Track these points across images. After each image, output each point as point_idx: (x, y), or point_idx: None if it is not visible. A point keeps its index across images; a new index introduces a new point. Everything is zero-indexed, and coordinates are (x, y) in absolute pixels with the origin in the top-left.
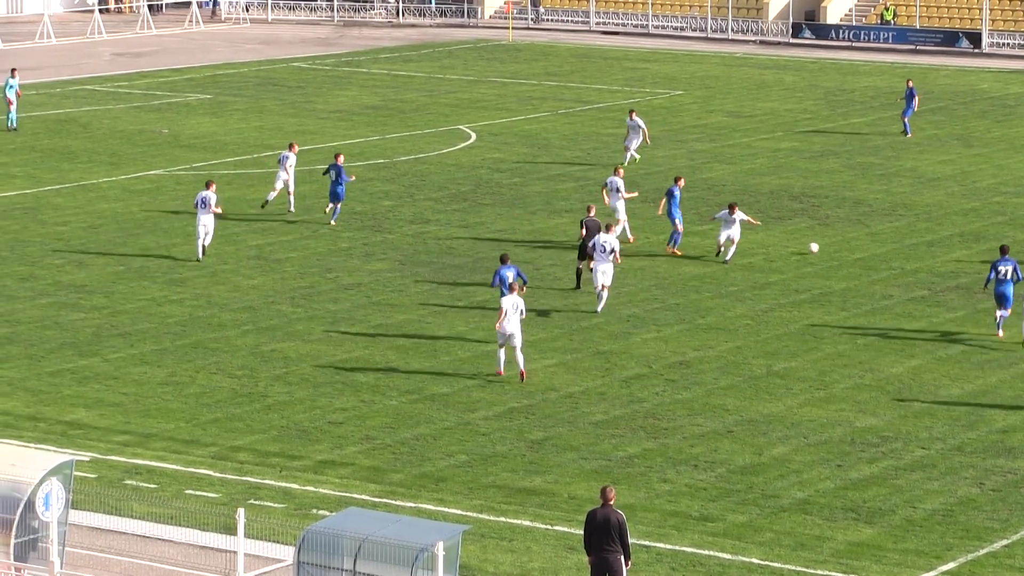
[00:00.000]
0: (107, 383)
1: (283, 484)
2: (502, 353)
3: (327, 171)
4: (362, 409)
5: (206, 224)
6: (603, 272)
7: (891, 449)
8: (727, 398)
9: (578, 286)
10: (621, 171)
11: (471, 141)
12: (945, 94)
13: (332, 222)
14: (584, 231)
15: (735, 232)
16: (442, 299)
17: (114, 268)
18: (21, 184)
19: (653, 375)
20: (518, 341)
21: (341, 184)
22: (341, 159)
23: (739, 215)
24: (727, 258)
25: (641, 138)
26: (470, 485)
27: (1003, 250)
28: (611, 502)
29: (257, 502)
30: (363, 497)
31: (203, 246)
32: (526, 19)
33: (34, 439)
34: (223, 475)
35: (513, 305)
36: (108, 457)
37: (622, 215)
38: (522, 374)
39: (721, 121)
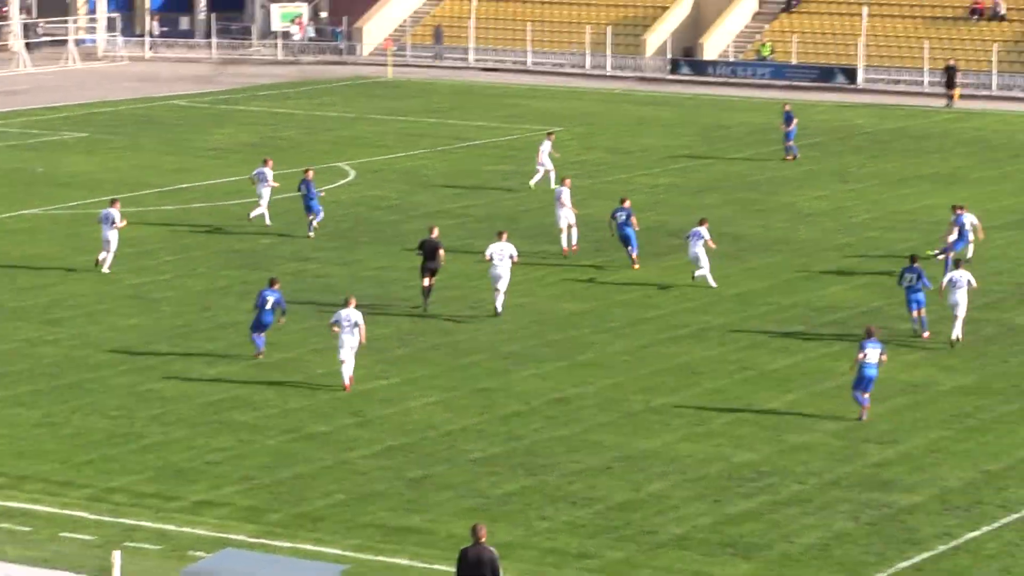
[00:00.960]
0: None
1: (159, 525)
2: (344, 370)
3: (300, 187)
4: (240, 448)
5: (110, 239)
6: (501, 276)
7: (768, 484)
8: (605, 434)
9: (424, 305)
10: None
11: (350, 178)
12: (821, 130)
13: (310, 234)
14: (421, 250)
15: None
16: (321, 337)
17: None
18: None
19: (532, 412)
20: (349, 354)
21: (313, 198)
22: (311, 174)
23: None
24: (709, 281)
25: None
26: (348, 524)
27: (868, 333)
28: (483, 540)
29: (133, 544)
30: (240, 537)
31: (108, 260)
32: (405, 55)
33: None
34: (99, 517)
35: (347, 318)
36: None
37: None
38: (347, 384)
39: (600, 157)
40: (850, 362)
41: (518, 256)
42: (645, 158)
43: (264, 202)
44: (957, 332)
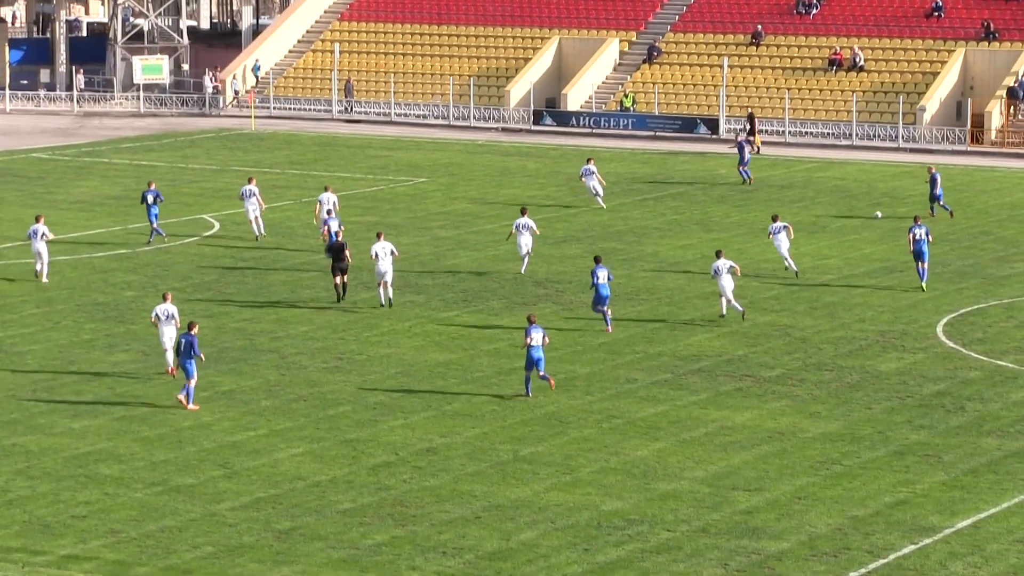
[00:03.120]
0: None
1: None
2: (169, 356)
3: (143, 199)
4: (106, 502)
5: (40, 251)
6: (386, 271)
7: (637, 532)
8: (475, 484)
9: (338, 300)
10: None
11: (215, 230)
12: (685, 179)
13: (165, 237)
14: (328, 252)
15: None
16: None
17: None
18: None
19: (400, 462)
20: (169, 343)
21: (156, 205)
22: (154, 185)
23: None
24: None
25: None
26: None
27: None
28: None
29: None
30: None
31: (44, 271)
32: (268, 108)
33: None
34: None
35: (164, 311)
36: None
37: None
38: (171, 370)
39: (465, 208)
40: (717, 409)
41: (398, 252)
42: (510, 209)
43: (253, 217)
44: (723, 310)
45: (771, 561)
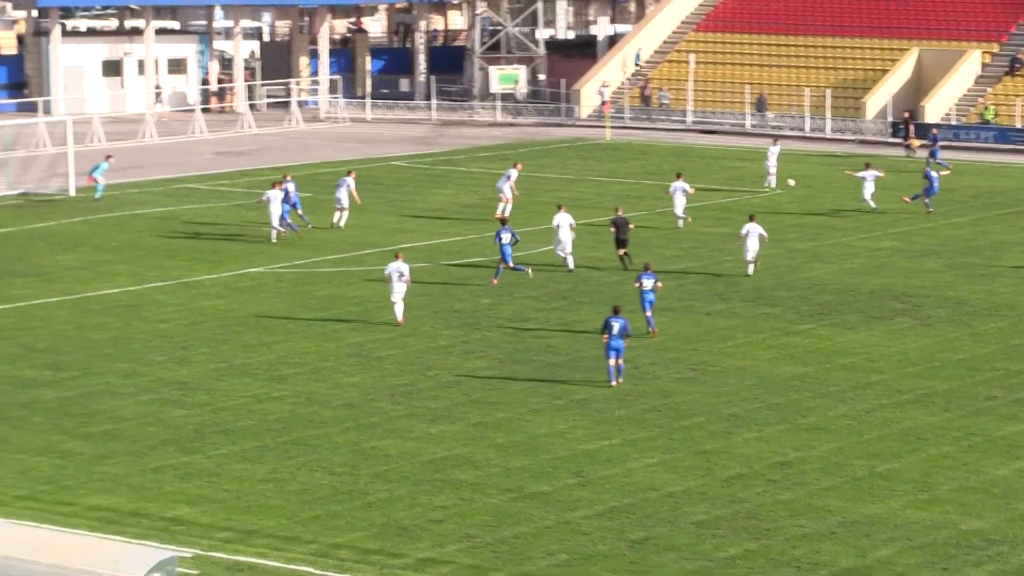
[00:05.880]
0: (209, 480)
1: None
2: (397, 310)
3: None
4: (462, 507)
5: (342, 199)
6: (566, 243)
7: (997, 552)
8: (829, 499)
9: (625, 267)
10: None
11: None
12: None
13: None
14: (614, 227)
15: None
16: (541, 397)
17: (216, 365)
18: (124, 281)
19: (754, 475)
20: (399, 298)
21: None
22: (289, 177)
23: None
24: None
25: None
26: None
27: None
28: None
29: None
30: None
31: (343, 218)
32: (623, 118)
33: (137, 535)
34: (324, 572)
35: (396, 269)
36: (210, 553)
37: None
38: (400, 321)
39: (821, 220)
40: None
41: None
42: (866, 221)
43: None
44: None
45: None
